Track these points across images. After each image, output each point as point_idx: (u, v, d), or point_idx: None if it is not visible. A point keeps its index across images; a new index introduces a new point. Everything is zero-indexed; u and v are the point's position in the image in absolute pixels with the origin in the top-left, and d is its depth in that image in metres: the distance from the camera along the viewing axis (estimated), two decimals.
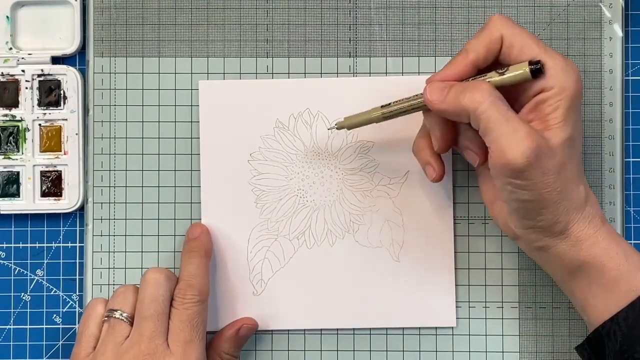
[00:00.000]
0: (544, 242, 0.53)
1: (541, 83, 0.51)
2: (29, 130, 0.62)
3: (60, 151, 0.62)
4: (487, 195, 0.56)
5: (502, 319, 0.61)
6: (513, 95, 0.53)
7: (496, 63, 0.53)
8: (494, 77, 0.52)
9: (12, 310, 0.62)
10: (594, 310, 0.52)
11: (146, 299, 0.55)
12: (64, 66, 0.62)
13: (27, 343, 0.62)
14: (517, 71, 0.51)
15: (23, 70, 0.62)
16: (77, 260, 0.62)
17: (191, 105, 0.62)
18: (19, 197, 0.62)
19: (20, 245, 0.62)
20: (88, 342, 0.55)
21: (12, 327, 0.62)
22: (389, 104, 0.56)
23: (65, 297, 0.62)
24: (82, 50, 0.62)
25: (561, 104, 0.50)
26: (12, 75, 0.62)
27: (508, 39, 0.51)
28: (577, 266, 0.52)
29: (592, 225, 0.52)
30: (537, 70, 0.50)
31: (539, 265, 0.56)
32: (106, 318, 0.56)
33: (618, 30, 0.61)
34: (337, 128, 0.58)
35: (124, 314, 0.55)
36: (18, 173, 0.62)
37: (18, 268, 0.62)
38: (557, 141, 0.50)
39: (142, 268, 0.61)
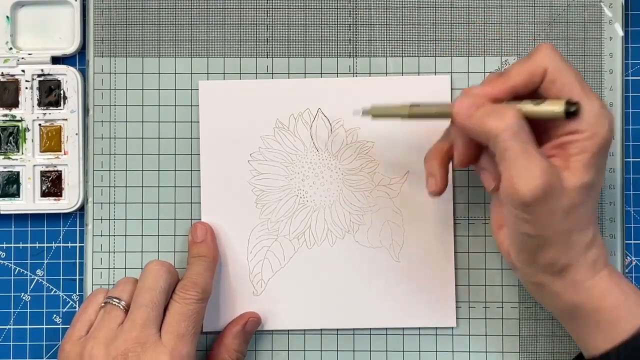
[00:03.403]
0: (540, 279, 0.52)
1: (574, 125, 0.49)
2: (29, 130, 0.62)
3: (60, 151, 0.62)
4: (495, 221, 0.56)
5: (502, 319, 0.61)
6: (544, 127, 0.52)
7: (535, 92, 0.51)
8: (528, 106, 0.50)
9: (12, 310, 0.62)
10: (588, 346, 0.52)
11: (144, 288, 0.55)
12: (64, 66, 0.62)
13: (27, 343, 0.62)
14: (552, 108, 0.50)
15: (23, 70, 0.62)
16: (77, 260, 0.62)
17: (191, 105, 0.62)
18: (19, 197, 0.62)
19: (20, 245, 0.62)
20: (83, 325, 0.56)
21: (12, 327, 0.62)
22: (419, 104, 0.54)
23: (65, 297, 0.62)
24: (82, 50, 0.62)
25: (589, 148, 0.49)
26: (12, 75, 0.62)
27: (551, 74, 0.50)
28: (573, 307, 0.52)
29: (593, 269, 0.51)
30: (573, 112, 0.49)
31: (537, 301, 0.56)
32: (103, 304, 0.56)
33: (618, 30, 0.61)
34: (362, 114, 0.56)
35: (122, 302, 0.56)
36: (18, 173, 0.62)
37: (18, 268, 0.62)
38: (573, 183, 0.49)
39: (142, 268, 0.61)
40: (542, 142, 0.51)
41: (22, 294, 0.62)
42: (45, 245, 0.62)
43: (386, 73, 0.62)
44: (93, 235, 0.62)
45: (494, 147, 0.49)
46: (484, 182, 0.54)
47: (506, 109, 0.49)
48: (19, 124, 0.62)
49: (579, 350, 0.55)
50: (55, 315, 0.62)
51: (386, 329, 0.61)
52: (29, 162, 0.62)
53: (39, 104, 0.62)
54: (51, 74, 0.62)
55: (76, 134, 0.62)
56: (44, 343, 0.62)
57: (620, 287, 0.52)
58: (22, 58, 0.62)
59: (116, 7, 0.62)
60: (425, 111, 0.54)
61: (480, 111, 0.50)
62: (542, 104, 0.50)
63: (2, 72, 0.62)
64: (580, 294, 0.51)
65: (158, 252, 0.62)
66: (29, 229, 0.62)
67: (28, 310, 0.62)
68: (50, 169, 0.62)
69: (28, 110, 0.62)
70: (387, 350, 0.61)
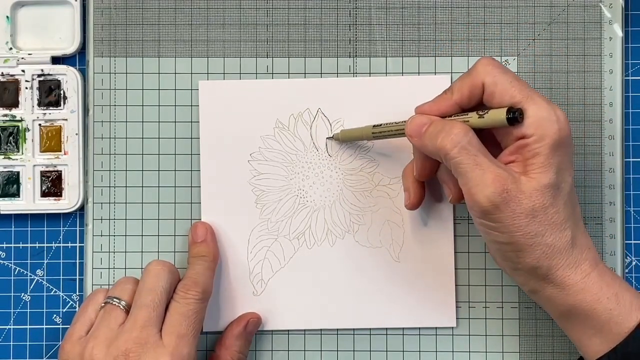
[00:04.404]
0: (532, 286, 0.53)
1: (521, 129, 0.50)
2: (29, 130, 0.62)
3: (60, 151, 0.62)
4: None
5: (502, 319, 0.61)
6: (499, 134, 0.53)
7: (481, 103, 0.53)
8: (474, 118, 0.52)
9: (12, 310, 0.62)
10: (587, 349, 0.52)
11: (145, 288, 0.56)
12: (64, 66, 0.62)
13: (27, 343, 0.62)
14: (495, 117, 0.51)
15: (23, 70, 0.62)
16: (77, 260, 0.62)
17: (191, 105, 0.62)
18: (19, 197, 0.62)
19: (20, 245, 0.62)
20: (83, 325, 0.56)
21: (12, 327, 0.62)
22: (381, 124, 0.57)
23: (65, 297, 0.62)
24: (82, 50, 0.62)
25: (541, 151, 0.50)
26: (12, 75, 0.62)
27: (489, 87, 0.52)
28: (568, 310, 0.52)
29: (580, 271, 0.51)
30: (513, 118, 0.50)
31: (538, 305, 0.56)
32: (103, 304, 0.56)
33: (618, 30, 0.61)
34: (332, 138, 0.61)
35: (122, 302, 0.56)
36: (18, 173, 0.62)
37: (18, 268, 0.62)
38: (533, 186, 0.50)
39: (142, 268, 0.61)
40: (502, 147, 0.53)
41: (22, 294, 0.62)
42: (45, 245, 0.62)
43: (386, 73, 0.62)
44: (93, 235, 0.62)
45: (447, 163, 0.51)
46: (446, 193, 0.56)
47: (453, 125, 0.51)
48: (19, 124, 0.62)
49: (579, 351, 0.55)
50: (55, 315, 0.62)
51: (386, 329, 0.61)
52: (29, 162, 0.62)
53: (39, 104, 0.62)
54: (51, 74, 0.62)
55: (76, 134, 0.62)
56: (44, 343, 0.62)
57: (612, 287, 0.52)
58: (22, 58, 0.62)
59: (116, 7, 0.62)
60: (387, 130, 0.57)
61: (429, 129, 0.52)
62: (486, 115, 0.51)
63: (2, 72, 0.62)
64: (572, 297, 0.51)
65: (158, 252, 0.62)
66: (29, 229, 0.62)
67: (28, 310, 0.62)
68: (50, 169, 0.62)
69: (28, 110, 0.62)
70: (387, 350, 0.61)
